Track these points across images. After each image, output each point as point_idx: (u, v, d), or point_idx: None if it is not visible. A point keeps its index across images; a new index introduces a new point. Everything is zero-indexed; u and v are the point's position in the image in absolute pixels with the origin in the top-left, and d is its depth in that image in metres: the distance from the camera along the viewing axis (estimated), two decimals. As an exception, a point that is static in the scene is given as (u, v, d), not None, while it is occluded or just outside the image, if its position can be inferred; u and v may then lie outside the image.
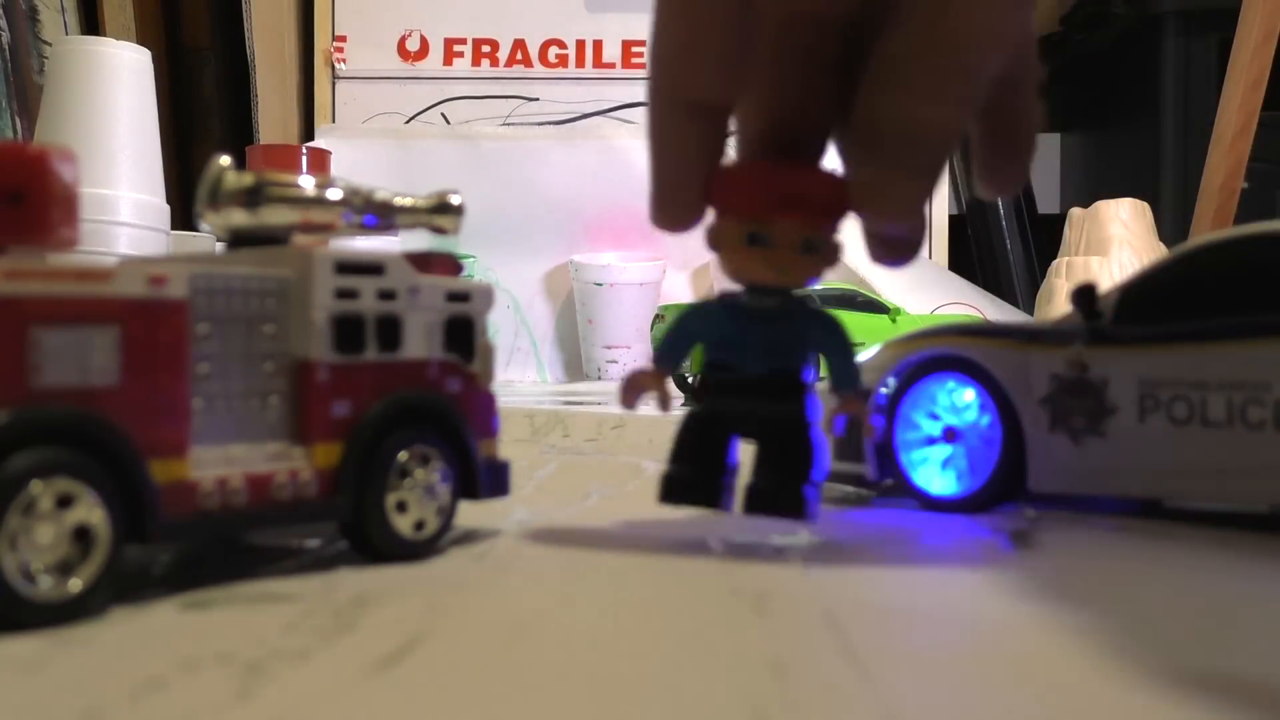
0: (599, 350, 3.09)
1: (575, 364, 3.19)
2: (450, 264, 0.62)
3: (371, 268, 0.58)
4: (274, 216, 0.58)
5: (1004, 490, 0.77)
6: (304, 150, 2.44)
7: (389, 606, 0.49)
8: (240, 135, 3.09)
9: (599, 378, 3.09)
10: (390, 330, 0.58)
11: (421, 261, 0.60)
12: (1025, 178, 0.64)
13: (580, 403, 2.17)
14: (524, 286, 3.17)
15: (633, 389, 0.63)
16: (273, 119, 3.07)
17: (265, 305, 0.55)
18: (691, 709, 0.36)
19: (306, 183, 0.59)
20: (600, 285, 2.98)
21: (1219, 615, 0.50)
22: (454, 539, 0.64)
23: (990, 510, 0.77)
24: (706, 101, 0.59)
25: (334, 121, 3.25)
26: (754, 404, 0.62)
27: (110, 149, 1.67)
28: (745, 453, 0.63)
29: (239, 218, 0.57)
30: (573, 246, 3.16)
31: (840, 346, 0.63)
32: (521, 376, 3.13)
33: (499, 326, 3.19)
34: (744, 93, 0.60)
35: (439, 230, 0.64)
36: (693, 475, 0.63)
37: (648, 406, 0.65)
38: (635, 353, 3.03)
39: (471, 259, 3.04)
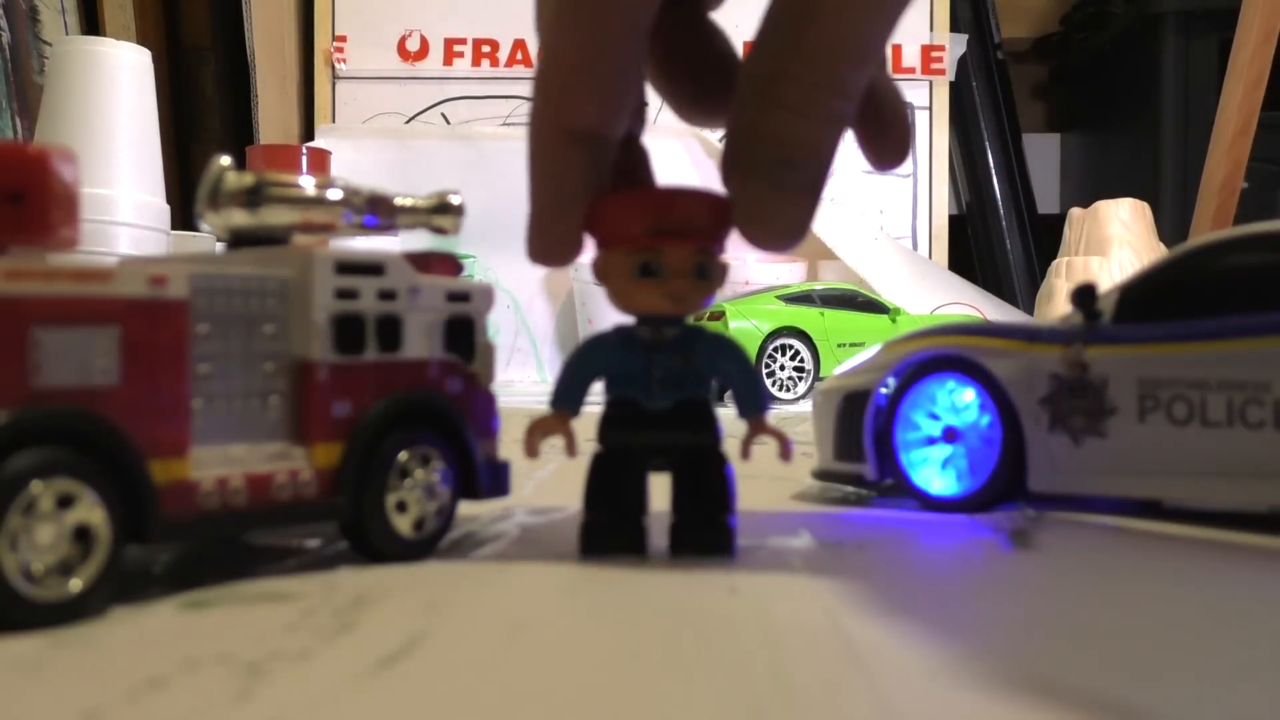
0: (599, 350, 3.07)
1: (575, 364, 3.18)
2: (450, 264, 0.62)
3: (371, 268, 0.58)
4: (274, 217, 0.58)
5: (1004, 490, 0.77)
6: (304, 150, 2.44)
7: (389, 606, 0.49)
8: (240, 135, 3.10)
9: (599, 378, 3.08)
10: (390, 330, 0.58)
11: (421, 261, 0.60)
12: (907, 150, 0.62)
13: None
14: (524, 286, 3.18)
15: (536, 434, 0.60)
16: (273, 119, 3.07)
17: (265, 305, 0.55)
18: (691, 709, 0.36)
19: (307, 183, 0.59)
20: (600, 285, 2.98)
21: (1218, 616, 0.50)
22: (454, 539, 0.64)
23: (990, 510, 0.77)
24: (590, 130, 0.56)
25: (334, 121, 3.26)
26: (664, 438, 0.60)
27: (110, 149, 1.67)
28: (658, 488, 0.61)
29: (239, 218, 0.57)
30: (573, 246, 3.15)
31: (745, 371, 0.61)
32: (521, 376, 3.13)
33: (499, 326, 3.19)
34: (626, 120, 0.58)
35: (439, 230, 0.64)
36: (611, 521, 0.60)
37: (555, 451, 0.62)
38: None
39: (471, 259, 3.04)
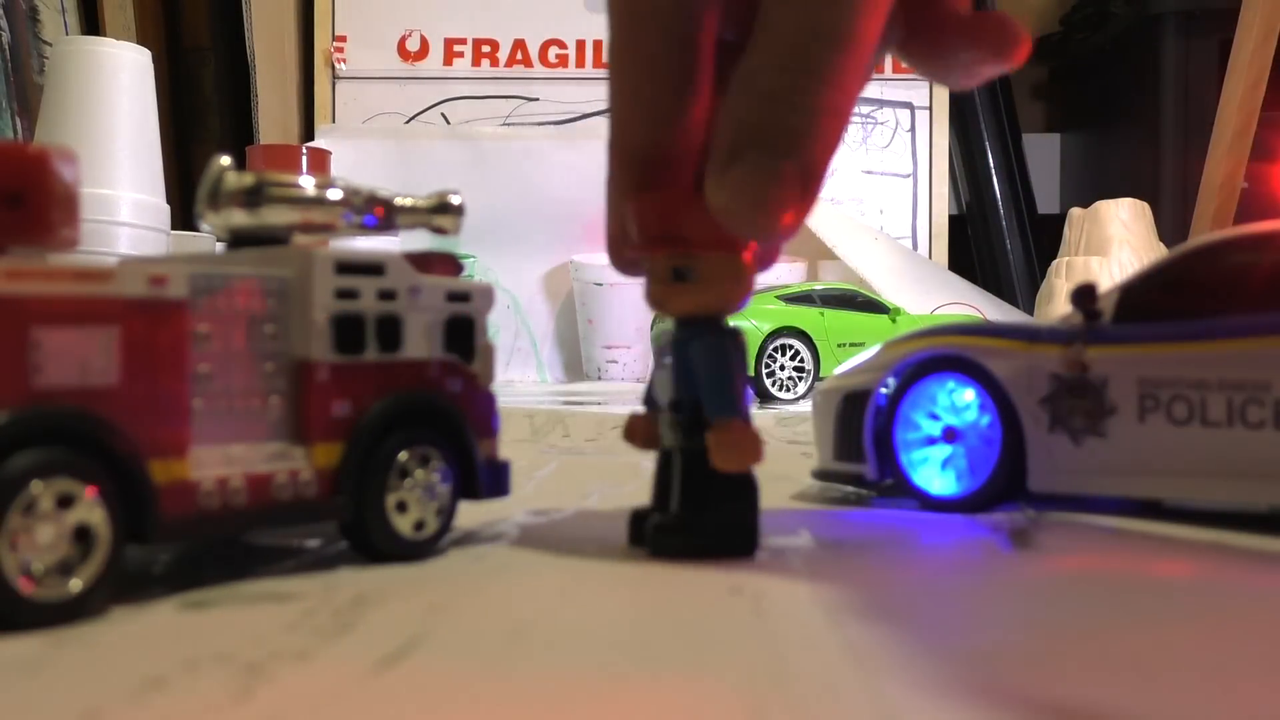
0: (599, 350, 3.09)
1: (575, 364, 3.19)
2: (450, 264, 0.62)
3: (371, 268, 0.58)
4: (274, 216, 0.58)
5: (1004, 490, 0.77)
6: (304, 150, 2.44)
7: (389, 606, 0.49)
8: (240, 135, 3.10)
9: (599, 378, 3.09)
10: (391, 330, 0.58)
11: (422, 261, 0.61)
12: (1016, 31, 0.60)
13: (580, 403, 2.17)
14: (524, 286, 3.18)
15: (631, 435, 0.64)
16: (273, 119, 3.07)
17: (265, 305, 0.55)
18: (691, 709, 0.36)
19: (307, 183, 0.59)
20: (600, 285, 2.99)
21: (1218, 616, 0.50)
22: (454, 539, 0.64)
23: (990, 510, 0.77)
24: (643, 151, 0.59)
25: (334, 122, 3.26)
26: (670, 438, 0.61)
27: (110, 149, 1.67)
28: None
29: (239, 218, 0.57)
30: (573, 246, 3.16)
31: (710, 372, 0.59)
32: (521, 376, 3.13)
33: (499, 326, 3.19)
34: (683, 138, 0.60)
35: (439, 230, 0.64)
36: (645, 515, 0.62)
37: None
38: (635, 353, 3.04)
39: (471, 259, 3.05)
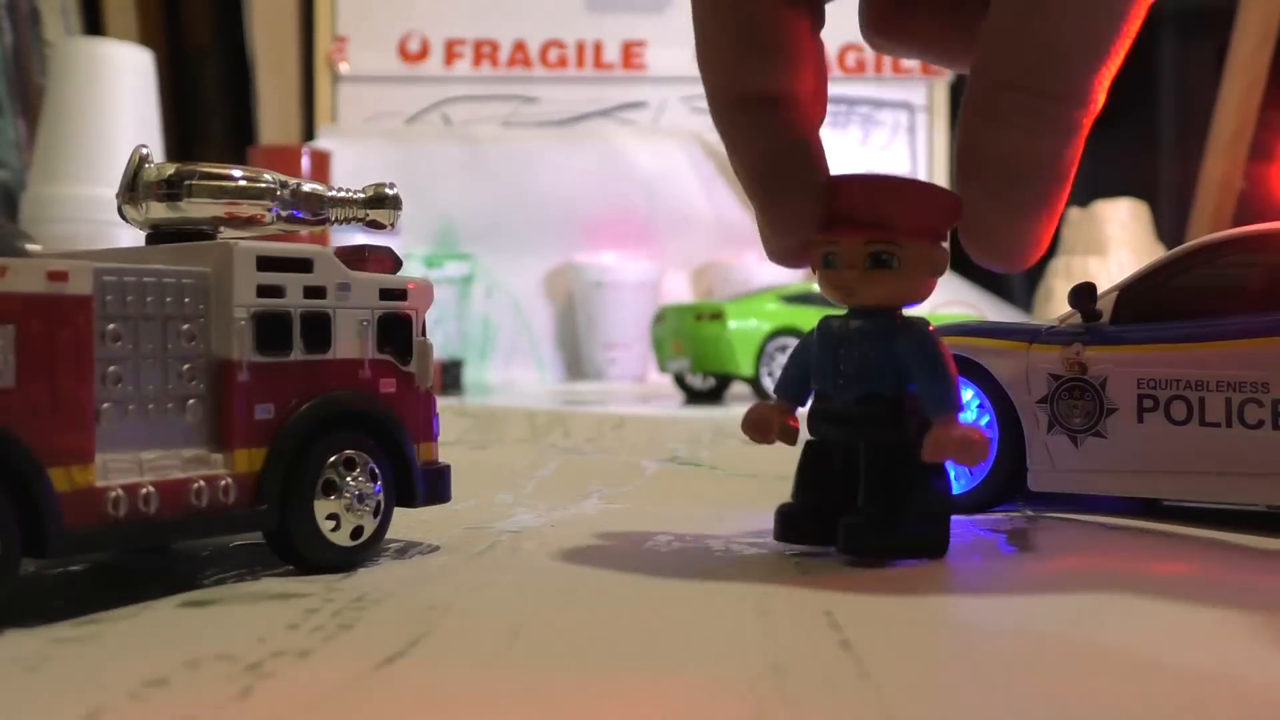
0: (599, 350, 3.09)
1: (575, 364, 3.19)
2: (388, 259, 0.59)
3: (297, 263, 0.55)
4: (196, 209, 0.55)
5: (1004, 490, 0.77)
6: (305, 151, 2.44)
7: (389, 606, 0.49)
8: (241, 136, 3.10)
9: (599, 377, 3.09)
10: (318, 328, 0.55)
11: (356, 256, 0.58)
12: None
13: (580, 402, 2.17)
14: (524, 286, 3.18)
15: (758, 427, 0.61)
16: (274, 120, 3.07)
17: (182, 303, 0.52)
18: (692, 708, 0.36)
19: (232, 174, 0.56)
20: (600, 285, 2.99)
21: (1215, 616, 0.50)
22: (453, 539, 0.64)
23: (990, 510, 0.77)
24: (753, 93, 0.54)
25: (335, 122, 3.26)
26: (851, 433, 0.59)
27: (112, 149, 1.68)
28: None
29: (159, 210, 0.55)
30: (573, 246, 3.17)
31: (926, 369, 0.58)
32: (522, 376, 3.13)
33: (499, 326, 3.19)
34: (799, 76, 0.54)
35: (375, 225, 0.61)
36: (802, 512, 0.61)
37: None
38: (635, 352, 3.04)
39: (470, 258, 3.05)
